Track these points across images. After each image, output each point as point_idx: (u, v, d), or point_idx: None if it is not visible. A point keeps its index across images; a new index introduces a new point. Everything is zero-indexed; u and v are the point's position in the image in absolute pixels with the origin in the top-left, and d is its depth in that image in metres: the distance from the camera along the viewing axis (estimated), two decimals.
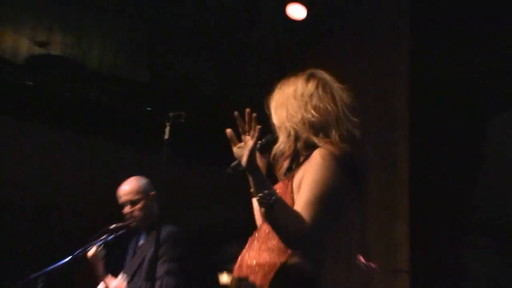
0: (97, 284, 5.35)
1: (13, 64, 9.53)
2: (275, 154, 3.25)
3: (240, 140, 3.01)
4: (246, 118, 2.94)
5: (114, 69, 9.85)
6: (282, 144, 3.21)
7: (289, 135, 3.19)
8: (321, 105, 3.19)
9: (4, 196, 9.52)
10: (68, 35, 9.57)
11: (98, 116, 9.06)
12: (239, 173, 3.03)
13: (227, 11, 8.89)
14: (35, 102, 8.99)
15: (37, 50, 9.69)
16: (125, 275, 5.23)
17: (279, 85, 3.37)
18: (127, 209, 5.34)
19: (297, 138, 3.18)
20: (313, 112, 3.17)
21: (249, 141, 2.89)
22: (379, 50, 8.09)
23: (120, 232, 5.26)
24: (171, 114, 3.76)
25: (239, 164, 2.99)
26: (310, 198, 2.93)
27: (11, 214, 9.73)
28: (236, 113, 2.98)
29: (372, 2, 8.37)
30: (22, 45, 9.58)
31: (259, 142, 3.06)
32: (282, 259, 3.00)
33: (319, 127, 3.15)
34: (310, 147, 3.15)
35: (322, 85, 3.27)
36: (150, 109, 9.46)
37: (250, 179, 2.94)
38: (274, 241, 3.06)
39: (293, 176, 3.16)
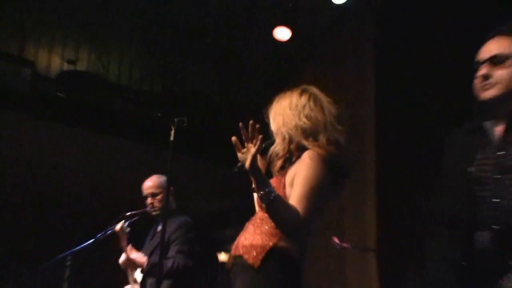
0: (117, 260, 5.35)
1: (47, 78, 9.50)
2: (271, 154, 3.30)
3: (243, 145, 3.02)
4: (249, 129, 2.96)
5: (130, 82, 9.85)
6: (278, 146, 3.28)
7: (284, 138, 3.26)
8: (312, 115, 3.26)
9: (40, 186, 9.51)
10: (92, 53, 9.56)
11: (117, 121, 9.04)
12: (243, 172, 3.06)
13: (226, 32, 8.88)
14: (65, 109, 8.92)
15: (67, 67, 9.68)
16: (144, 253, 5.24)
17: (277, 98, 3.42)
18: (149, 200, 5.38)
19: (290, 141, 3.25)
20: (305, 120, 3.23)
21: (251, 148, 2.94)
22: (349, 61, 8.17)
23: (134, 218, 5.27)
24: (175, 119, 3.78)
25: (243, 166, 3.01)
26: (302, 193, 3.02)
27: (46, 201, 9.71)
28: (240, 124, 3.00)
29: (341, 33, 8.39)
30: (54, 62, 9.57)
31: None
32: (272, 242, 3.06)
33: (309, 133, 3.22)
34: (301, 149, 3.21)
35: (313, 98, 3.33)
36: (160, 115, 9.46)
37: (252, 178, 3.00)
38: (267, 226, 3.12)
39: (285, 173, 3.22)
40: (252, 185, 3.10)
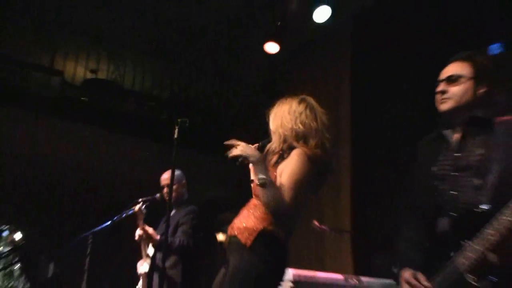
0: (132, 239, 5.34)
1: (73, 85, 9.55)
2: (267, 150, 3.31)
3: None
4: None
5: (143, 88, 9.85)
6: (274, 144, 3.28)
7: (280, 138, 3.26)
8: (306, 121, 3.26)
9: (67, 177, 9.49)
10: (110, 64, 9.56)
11: (131, 122, 9.11)
12: (244, 164, 3.13)
13: (225, 47, 8.86)
14: (88, 112, 9.01)
15: (89, 75, 9.70)
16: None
17: (278, 103, 3.41)
18: (165, 190, 5.41)
19: (285, 141, 3.25)
20: (300, 125, 3.23)
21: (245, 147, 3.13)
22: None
23: (146, 204, 5.24)
24: (179, 119, 3.75)
25: (246, 158, 3.08)
26: (288, 184, 3.03)
27: (72, 190, 9.71)
28: None
29: (322, 49, 8.36)
30: (79, 72, 9.59)
31: (259, 144, 3.33)
32: (263, 225, 3.09)
33: (301, 136, 3.22)
34: (291, 149, 3.21)
35: (310, 107, 3.33)
36: (166, 116, 9.50)
37: (254, 168, 3.09)
38: (259, 211, 3.14)
39: (277, 167, 3.22)
40: (251, 177, 3.20)
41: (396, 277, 2.79)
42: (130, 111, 9.71)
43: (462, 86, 2.72)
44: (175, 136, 3.65)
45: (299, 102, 3.35)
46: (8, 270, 8.68)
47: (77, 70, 9.52)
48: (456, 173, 2.65)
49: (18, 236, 9.64)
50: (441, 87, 2.77)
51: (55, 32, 8.78)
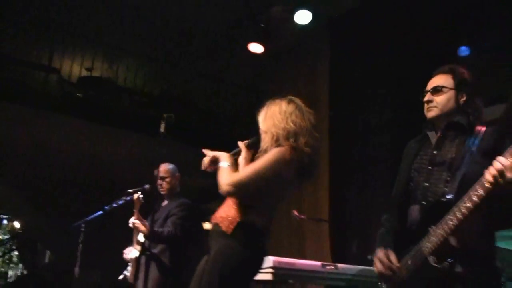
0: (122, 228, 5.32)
1: (70, 82, 9.56)
2: (259, 148, 3.29)
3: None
4: None
5: (135, 86, 9.86)
6: (266, 144, 3.24)
7: (272, 137, 3.22)
8: (297, 120, 3.24)
9: (61, 168, 9.46)
10: (104, 63, 9.56)
11: (123, 116, 9.12)
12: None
13: (211, 46, 8.84)
14: (83, 107, 9.03)
15: (85, 73, 9.67)
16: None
17: (267, 104, 3.39)
18: (158, 182, 5.40)
19: (277, 140, 3.21)
20: (291, 124, 3.21)
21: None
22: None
23: (134, 194, 5.23)
24: (165, 115, 3.76)
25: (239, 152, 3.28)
26: (247, 169, 3.13)
27: (64, 180, 9.69)
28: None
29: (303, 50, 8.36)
30: (75, 69, 9.57)
31: (248, 141, 3.35)
32: (243, 215, 3.11)
33: (292, 135, 3.19)
34: (278, 146, 3.21)
35: (298, 108, 3.31)
36: (157, 112, 9.52)
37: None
38: (240, 202, 3.15)
39: None
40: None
41: (372, 264, 2.94)
42: (124, 107, 9.71)
43: (445, 95, 2.90)
44: (161, 130, 3.66)
45: (288, 103, 3.32)
46: (7, 256, 8.63)
47: (73, 68, 9.50)
48: (431, 167, 2.84)
49: (16, 224, 9.59)
50: (427, 97, 2.94)
51: (53, 32, 8.74)
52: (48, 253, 8.70)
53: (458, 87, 2.90)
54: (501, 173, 2.25)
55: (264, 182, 3.09)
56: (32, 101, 8.40)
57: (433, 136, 2.95)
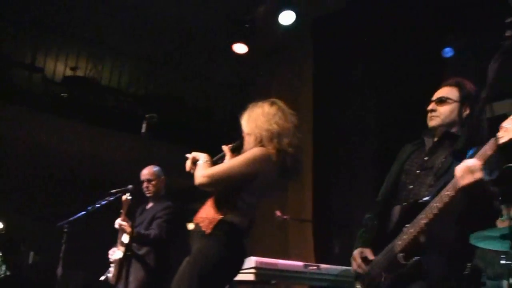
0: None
1: (54, 82, 9.50)
2: (243, 150, 3.33)
3: None
4: None
5: (119, 85, 9.86)
6: (250, 145, 3.26)
7: (256, 139, 3.24)
8: (280, 122, 3.26)
9: (45, 166, 9.39)
10: (89, 62, 9.54)
11: (108, 115, 9.13)
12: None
13: (195, 47, 8.85)
14: (68, 107, 8.99)
15: (69, 73, 9.64)
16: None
17: (250, 106, 3.40)
18: (145, 184, 5.44)
19: (260, 141, 3.23)
20: (275, 126, 3.23)
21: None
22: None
23: (118, 195, 5.23)
24: (147, 115, 3.77)
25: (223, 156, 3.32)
26: (225, 163, 3.24)
27: (49, 178, 9.63)
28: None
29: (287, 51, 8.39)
30: (59, 69, 9.52)
31: (231, 145, 3.38)
32: (222, 215, 3.14)
33: (276, 136, 3.21)
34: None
35: (281, 109, 3.34)
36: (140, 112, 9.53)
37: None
38: (221, 202, 3.19)
39: None
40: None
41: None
42: (107, 106, 9.68)
43: (449, 107, 2.95)
44: (143, 130, 3.68)
45: (271, 105, 3.34)
46: None
47: (57, 68, 9.45)
48: (419, 171, 2.92)
49: None
50: (431, 106, 3.00)
51: (37, 31, 8.71)
52: (31, 254, 8.64)
53: (463, 100, 2.96)
54: (467, 171, 2.40)
55: (240, 177, 3.13)
56: (15, 100, 8.37)
57: (429, 143, 3.01)
